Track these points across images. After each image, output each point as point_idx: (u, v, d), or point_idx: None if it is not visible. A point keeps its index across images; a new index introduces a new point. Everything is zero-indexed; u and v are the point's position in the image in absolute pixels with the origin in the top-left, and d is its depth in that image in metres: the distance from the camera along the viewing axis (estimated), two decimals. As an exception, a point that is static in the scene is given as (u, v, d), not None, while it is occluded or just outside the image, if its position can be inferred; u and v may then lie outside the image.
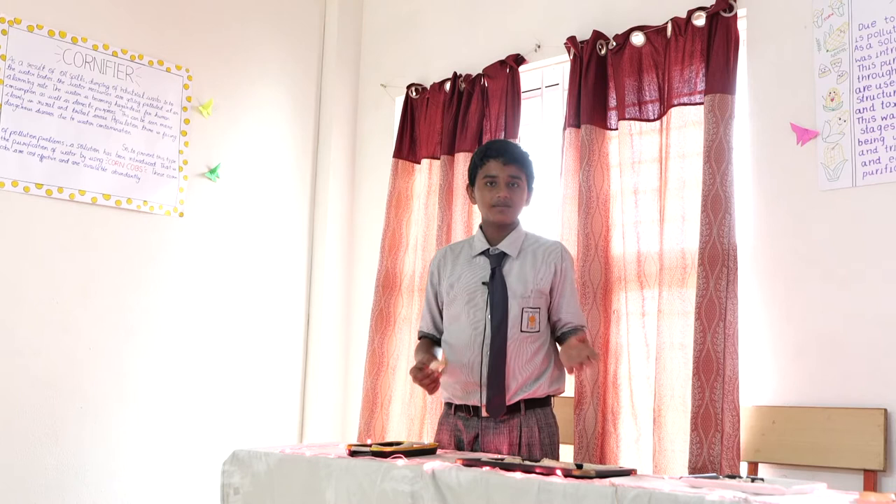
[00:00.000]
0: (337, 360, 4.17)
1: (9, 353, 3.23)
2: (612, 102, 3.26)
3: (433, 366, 2.59)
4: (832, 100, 2.79)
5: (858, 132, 2.74)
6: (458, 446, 2.70)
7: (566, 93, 3.43)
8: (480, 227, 2.80)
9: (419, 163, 3.91)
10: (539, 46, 3.59)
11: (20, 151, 3.30)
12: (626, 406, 3.05)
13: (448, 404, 2.76)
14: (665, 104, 3.10)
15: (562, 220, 3.29)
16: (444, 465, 2.15)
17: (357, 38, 4.40)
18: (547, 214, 3.46)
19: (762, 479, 1.92)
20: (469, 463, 2.16)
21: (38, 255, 3.34)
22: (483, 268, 2.71)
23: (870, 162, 2.70)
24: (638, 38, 3.19)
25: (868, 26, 2.75)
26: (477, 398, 2.63)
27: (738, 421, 2.76)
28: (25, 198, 3.31)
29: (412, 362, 3.67)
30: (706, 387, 2.77)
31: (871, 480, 2.56)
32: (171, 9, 3.80)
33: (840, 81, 2.79)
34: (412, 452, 2.37)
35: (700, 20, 3.03)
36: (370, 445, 2.43)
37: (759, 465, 2.78)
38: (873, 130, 2.71)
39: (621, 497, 1.79)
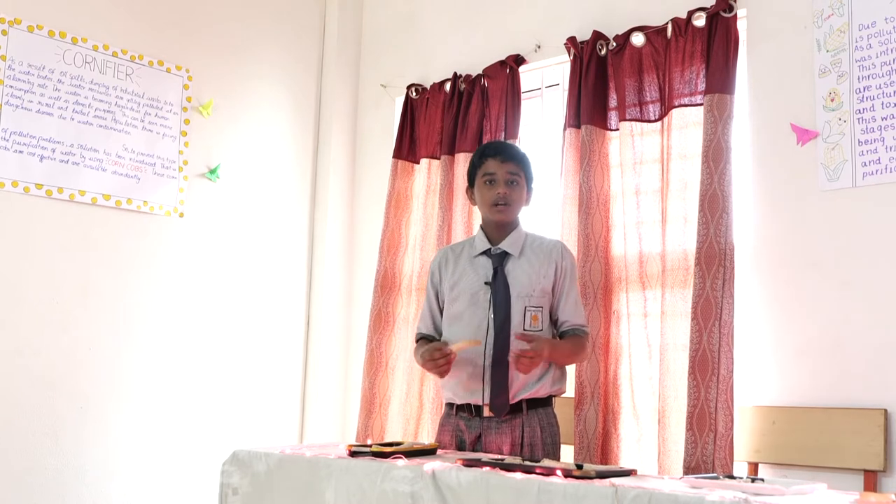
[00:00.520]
0: (337, 360, 4.17)
1: (9, 353, 3.23)
2: (613, 103, 3.26)
3: (452, 347, 2.59)
4: (832, 100, 2.80)
5: (858, 132, 2.74)
6: (460, 447, 2.69)
7: (566, 93, 3.43)
8: (481, 227, 2.81)
9: (418, 163, 3.91)
10: (539, 47, 3.59)
11: (20, 152, 3.30)
12: (627, 406, 3.05)
13: (449, 405, 2.76)
14: (666, 105, 3.10)
15: (562, 220, 3.29)
16: (444, 466, 2.15)
17: (357, 38, 4.40)
18: (547, 215, 3.46)
19: (762, 480, 1.92)
20: (469, 463, 2.16)
21: (38, 255, 3.34)
22: (485, 267, 2.71)
23: (870, 162, 2.70)
24: (638, 39, 3.19)
25: (868, 26, 2.75)
26: (479, 397, 2.63)
27: (732, 421, 2.75)
28: (25, 198, 3.31)
29: (410, 363, 3.70)
30: (701, 386, 2.77)
31: (872, 481, 2.56)
32: (171, 9, 3.80)
33: (840, 82, 2.79)
34: (412, 453, 2.37)
35: (700, 20, 3.03)
36: (370, 446, 2.43)
37: (760, 465, 2.78)
38: (873, 131, 2.71)
39: (621, 497, 1.79)
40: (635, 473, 2.12)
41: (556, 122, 3.58)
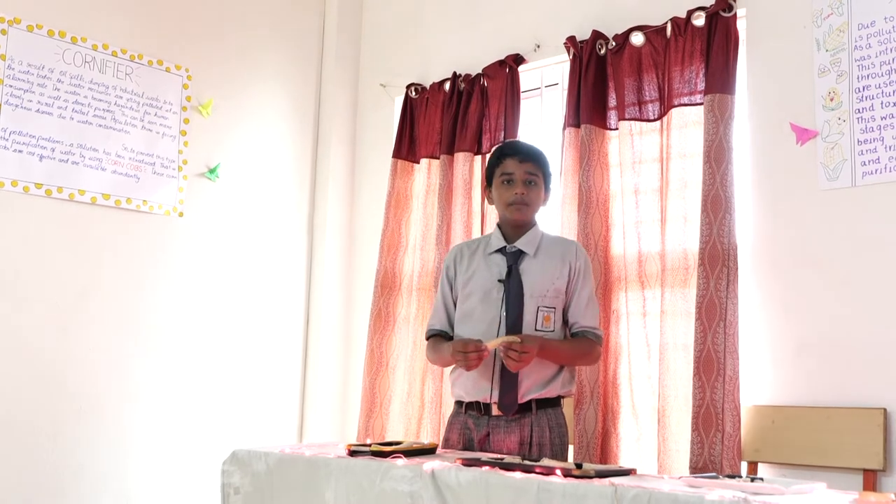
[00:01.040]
0: (336, 359, 4.17)
1: (9, 353, 3.23)
2: (612, 102, 3.26)
3: (488, 344, 2.53)
4: (832, 99, 2.80)
5: (858, 132, 2.74)
6: (468, 445, 2.67)
7: (566, 93, 3.43)
8: (498, 225, 2.78)
9: (418, 162, 3.91)
10: (538, 46, 3.59)
11: (20, 151, 3.30)
12: (627, 406, 3.05)
13: (459, 403, 2.75)
14: (665, 104, 3.11)
15: (561, 219, 3.29)
16: (443, 465, 2.15)
17: (357, 38, 4.40)
18: (547, 214, 3.45)
19: (762, 479, 1.92)
20: (468, 463, 2.16)
21: (38, 254, 3.33)
22: (499, 265, 2.70)
23: (869, 162, 2.70)
24: (637, 38, 3.19)
25: (867, 26, 2.75)
26: (488, 395, 2.61)
27: (739, 421, 2.76)
28: (25, 197, 3.31)
29: (411, 362, 3.71)
30: (707, 387, 2.77)
31: (871, 480, 2.56)
32: (170, 9, 3.80)
33: (839, 81, 2.79)
34: (412, 452, 2.37)
35: (699, 20, 3.03)
36: (370, 445, 2.43)
37: (759, 464, 2.78)
38: (873, 130, 2.71)
39: (621, 497, 1.79)
40: (635, 473, 2.12)
41: (555, 121, 3.58)
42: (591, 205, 3.19)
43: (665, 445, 2.90)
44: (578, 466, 2.00)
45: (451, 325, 2.79)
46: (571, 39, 3.36)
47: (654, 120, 3.15)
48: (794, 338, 2.80)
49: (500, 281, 2.67)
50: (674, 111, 3.07)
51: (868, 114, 2.72)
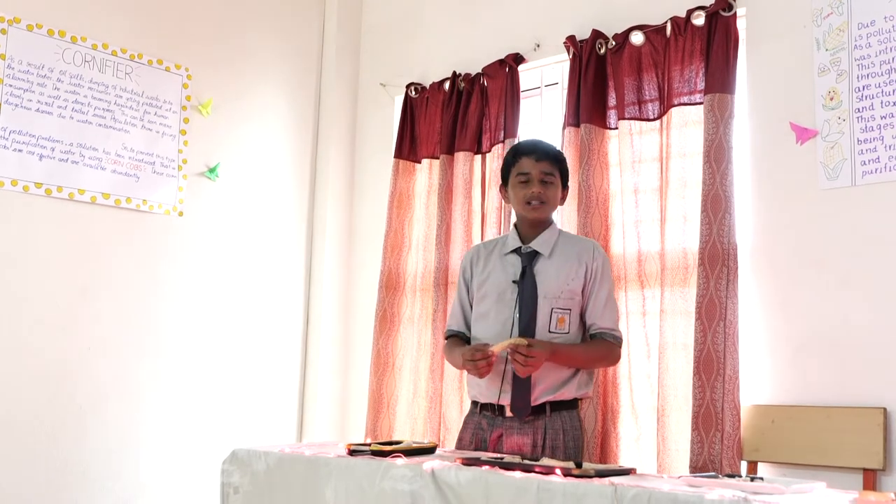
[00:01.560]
0: (336, 359, 4.17)
1: (9, 353, 3.23)
2: (612, 102, 3.26)
3: (494, 348, 2.51)
4: (831, 99, 2.79)
5: (858, 131, 2.74)
6: (481, 445, 2.66)
7: (565, 92, 3.43)
8: (514, 225, 2.77)
9: (420, 162, 3.91)
10: (538, 46, 3.59)
11: (19, 150, 3.30)
12: (626, 405, 3.05)
13: (474, 403, 2.74)
14: (665, 104, 3.11)
15: (561, 219, 3.29)
16: (443, 465, 2.15)
17: (356, 37, 4.40)
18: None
19: (762, 479, 1.92)
20: (468, 462, 2.16)
21: (38, 254, 3.33)
22: (514, 266, 2.68)
23: (869, 161, 2.70)
24: (637, 38, 3.19)
25: (867, 25, 2.75)
26: (500, 397, 2.60)
27: (739, 420, 2.77)
28: (25, 197, 3.31)
29: (416, 362, 3.71)
30: (707, 386, 2.77)
31: (871, 479, 2.56)
32: (170, 8, 3.80)
33: (839, 80, 2.79)
34: (411, 452, 2.37)
35: (699, 19, 3.03)
36: (369, 445, 2.43)
37: (759, 464, 2.78)
38: (872, 129, 2.71)
39: (620, 496, 1.79)
40: (634, 472, 2.12)
41: (555, 120, 3.58)
42: (591, 204, 3.19)
43: (664, 445, 2.90)
44: (578, 466, 2.00)
45: (468, 326, 2.77)
46: (571, 39, 3.36)
47: (654, 119, 3.15)
48: (794, 337, 2.80)
49: (514, 282, 2.65)
50: (674, 110, 3.07)
51: (868, 113, 2.72)
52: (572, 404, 2.65)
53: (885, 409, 2.57)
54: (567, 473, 1.97)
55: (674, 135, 3.06)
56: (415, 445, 2.43)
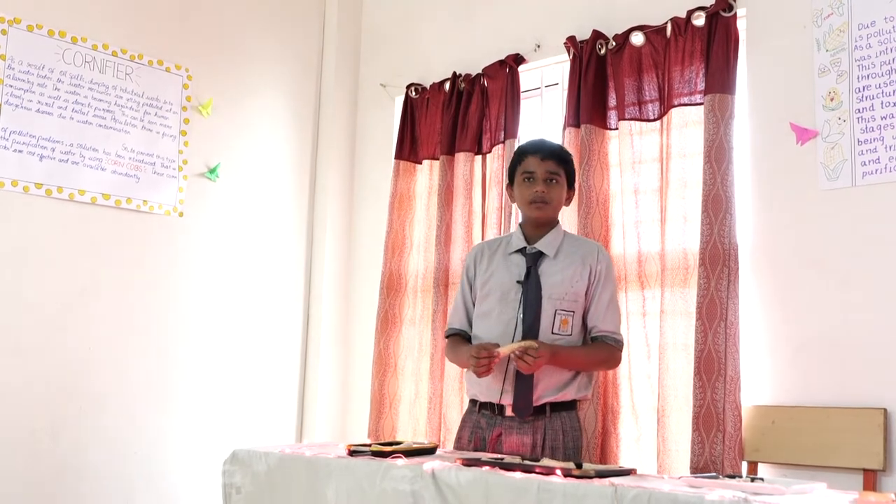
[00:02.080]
0: (335, 359, 4.17)
1: (9, 353, 3.23)
2: (612, 102, 3.26)
3: (503, 349, 2.50)
4: (832, 99, 2.80)
5: (858, 132, 2.74)
6: (479, 445, 2.66)
7: (566, 92, 3.43)
8: (520, 224, 2.76)
9: (420, 163, 3.91)
10: (539, 46, 3.59)
11: (20, 151, 3.30)
12: (627, 405, 3.05)
13: (473, 401, 2.73)
14: (665, 104, 3.11)
15: (561, 219, 3.28)
16: (443, 465, 2.16)
17: (356, 38, 4.40)
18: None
19: (762, 479, 1.92)
20: (469, 463, 2.16)
21: (38, 254, 3.33)
22: (518, 266, 2.67)
23: (869, 161, 2.70)
24: (637, 38, 3.19)
25: (868, 26, 2.75)
26: (501, 396, 2.60)
27: (740, 420, 2.77)
28: (25, 197, 3.31)
29: (418, 363, 3.70)
30: (707, 387, 2.77)
31: (871, 480, 2.56)
32: (170, 8, 3.80)
33: (840, 81, 2.79)
34: (412, 452, 2.37)
35: (700, 20, 3.03)
36: (370, 445, 2.43)
37: (759, 464, 2.78)
38: (873, 130, 2.71)
39: (621, 497, 1.79)
40: (635, 473, 2.12)
41: (555, 121, 3.58)
42: (591, 204, 3.19)
43: (665, 445, 2.91)
44: (578, 466, 2.00)
45: (471, 325, 2.77)
46: (571, 39, 3.36)
47: (654, 120, 3.15)
48: (795, 338, 2.80)
49: (518, 282, 2.64)
50: (674, 111, 3.07)
51: (868, 114, 2.72)
52: (572, 405, 2.66)
53: (885, 410, 2.57)
54: (567, 474, 1.97)
55: (674, 135, 3.06)
56: (415, 446, 2.43)
